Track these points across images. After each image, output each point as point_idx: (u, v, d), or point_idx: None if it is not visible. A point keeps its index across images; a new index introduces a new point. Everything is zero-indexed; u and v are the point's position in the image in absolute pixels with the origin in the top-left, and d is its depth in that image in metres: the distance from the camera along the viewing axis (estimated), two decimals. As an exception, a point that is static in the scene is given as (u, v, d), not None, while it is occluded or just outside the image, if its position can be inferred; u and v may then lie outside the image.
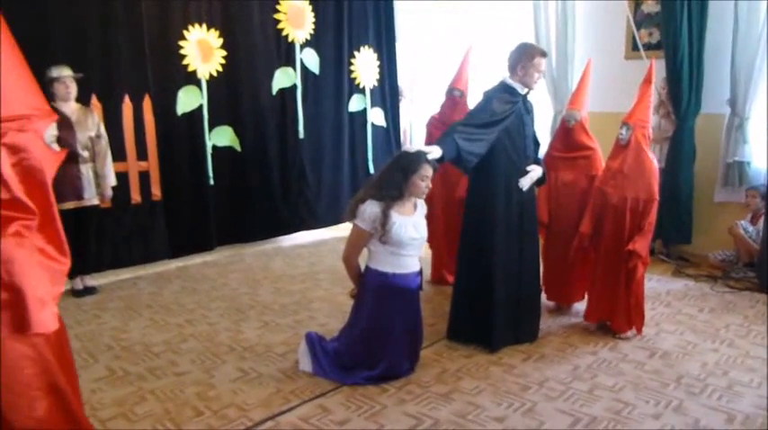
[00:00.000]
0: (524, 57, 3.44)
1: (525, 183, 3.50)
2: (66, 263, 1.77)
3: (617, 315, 3.69)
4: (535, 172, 3.55)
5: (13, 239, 1.61)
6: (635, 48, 5.59)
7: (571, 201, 3.93)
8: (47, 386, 1.69)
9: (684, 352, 3.52)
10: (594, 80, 4.13)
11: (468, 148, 3.25)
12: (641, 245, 3.57)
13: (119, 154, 4.69)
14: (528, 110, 3.56)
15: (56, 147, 1.77)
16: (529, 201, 3.58)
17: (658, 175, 3.66)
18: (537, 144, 3.70)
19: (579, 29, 5.90)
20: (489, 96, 3.47)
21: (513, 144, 3.46)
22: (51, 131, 1.75)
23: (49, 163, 1.70)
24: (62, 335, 1.78)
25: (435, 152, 3.08)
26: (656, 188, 3.60)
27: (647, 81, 3.70)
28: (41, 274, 1.67)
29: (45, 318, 1.66)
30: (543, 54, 3.48)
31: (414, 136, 7.20)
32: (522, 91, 3.49)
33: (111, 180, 4.43)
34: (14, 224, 1.64)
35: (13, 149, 1.63)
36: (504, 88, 3.48)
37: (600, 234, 3.71)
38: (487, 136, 3.33)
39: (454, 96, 4.61)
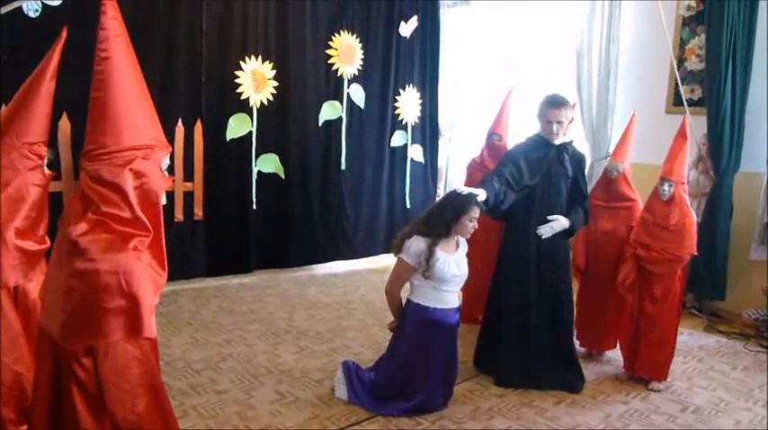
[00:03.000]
0: (538, 107, 3.59)
1: (544, 230, 3.54)
2: (165, 277, 1.95)
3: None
4: (557, 222, 3.55)
5: (133, 253, 1.79)
6: (676, 103, 5.65)
7: (609, 249, 3.96)
8: (148, 385, 1.86)
9: (717, 409, 3.51)
10: (634, 132, 4.22)
11: (500, 198, 3.41)
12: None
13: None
14: (561, 160, 3.59)
15: (166, 173, 1.96)
16: (550, 249, 3.58)
17: (695, 230, 3.71)
18: (584, 197, 3.74)
19: (621, 80, 6.01)
20: (523, 145, 3.65)
21: (538, 192, 3.55)
22: (166, 161, 1.94)
23: (161, 187, 1.88)
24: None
25: (482, 195, 3.21)
26: (693, 242, 3.65)
27: (682, 136, 3.75)
28: (151, 285, 1.83)
29: (152, 324, 1.84)
30: (549, 103, 3.52)
31: (449, 174, 7.33)
32: (553, 141, 3.58)
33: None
34: (134, 240, 1.83)
35: (137, 174, 1.84)
36: (535, 137, 3.65)
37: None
38: (514, 195, 3.49)
39: (493, 141, 4.70)
